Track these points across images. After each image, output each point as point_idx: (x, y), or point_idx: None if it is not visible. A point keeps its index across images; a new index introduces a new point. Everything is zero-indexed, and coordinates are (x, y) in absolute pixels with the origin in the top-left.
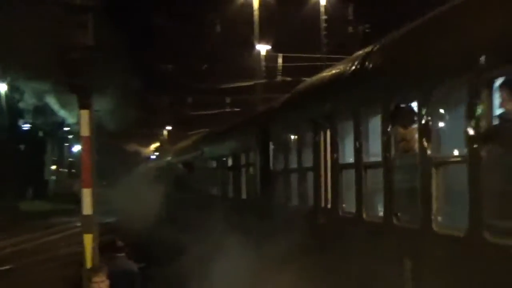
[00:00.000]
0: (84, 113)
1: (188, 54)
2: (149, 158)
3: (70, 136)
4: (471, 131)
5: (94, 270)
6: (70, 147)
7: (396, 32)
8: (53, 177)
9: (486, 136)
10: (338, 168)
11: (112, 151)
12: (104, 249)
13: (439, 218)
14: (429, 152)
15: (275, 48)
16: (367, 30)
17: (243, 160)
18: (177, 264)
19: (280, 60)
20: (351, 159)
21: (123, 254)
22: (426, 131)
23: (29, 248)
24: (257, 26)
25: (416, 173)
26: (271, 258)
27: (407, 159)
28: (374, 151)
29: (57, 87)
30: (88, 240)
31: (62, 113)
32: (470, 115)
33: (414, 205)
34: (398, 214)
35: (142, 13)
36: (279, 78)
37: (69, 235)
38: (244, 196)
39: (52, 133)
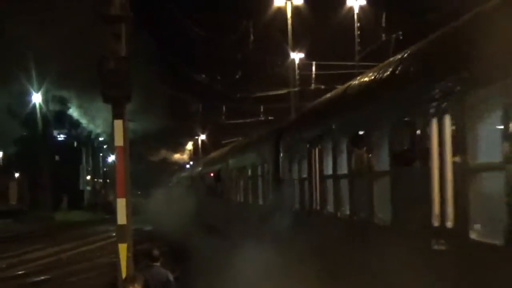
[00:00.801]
0: (118, 123)
1: (222, 62)
2: (184, 166)
3: (105, 146)
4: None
5: (130, 279)
6: (105, 157)
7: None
8: (88, 187)
9: None
10: (322, 178)
11: (147, 161)
12: (140, 258)
13: None
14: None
15: (308, 56)
16: (400, 38)
17: (259, 170)
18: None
19: (313, 68)
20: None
21: (158, 264)
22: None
23: (65, 258)
24: (290, 34)
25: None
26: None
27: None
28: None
29: (80, 96)
30: (123, 249)
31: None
32: None
33: None
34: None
35: (176, 22)
36: (312, 86)
37: (105, 245)
38: (260, 201)
39: (87, 143)
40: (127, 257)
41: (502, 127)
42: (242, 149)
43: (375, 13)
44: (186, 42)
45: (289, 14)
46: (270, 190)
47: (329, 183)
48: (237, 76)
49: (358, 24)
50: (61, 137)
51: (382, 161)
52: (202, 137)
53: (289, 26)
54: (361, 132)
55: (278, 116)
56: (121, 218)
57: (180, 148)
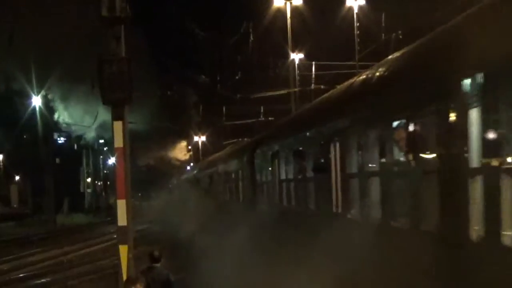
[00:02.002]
0: (118, 125)
1: (222, 63)
2: (184, 168)
3: (105, 148)
4: None
5: (131, 280)
6: (105, 159)
7: None
8: (89, 190)
9: None
10: (279, 181)
11: (147, 164)
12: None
13: None
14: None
15: (308, 57)
16: (400, 37)
17: (240, 174)
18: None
19: (313, 69)
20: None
21: (159, 264)
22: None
23: (67, 261)
24: (290, 35)
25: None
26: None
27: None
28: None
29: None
30: (124, 251)
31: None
32: None
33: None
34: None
35: (176, 23)
36: (312, 86)
37: (106, 247)
38: (241, 199)
39: (87, 145)
40: (128, 258)
41: None
42: (228, 157)
43: (374, 13)
44: (186, 43)
45: (288, 15)
46: (248, 190)
47: (283, 185)
48: (237, 77)
49: (358, 24)
50: (61, 140)
51: (310, 169)
52: (203, 138)
53: (289, 27)
54: (300, 148)
55: (278, 117)
56: (122, 219)
57: (179, 147)
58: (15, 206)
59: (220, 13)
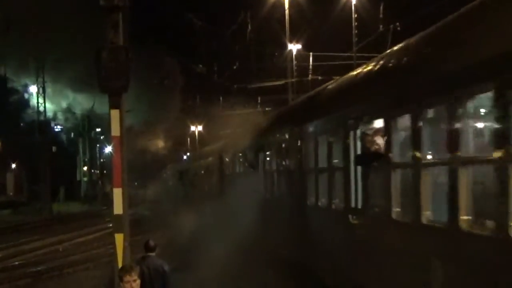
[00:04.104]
0: (115, 113)
1: (220, 53)
2: (181, 158)
3: (102, 137)
4: None
5: (126, 269)
6: (102, 148)
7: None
8: (85, 178)
9: None
10: (237, 174)
11: (143, 155)
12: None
13: None
14: None
15: (306, 47)
16: (398, 29)
17: (214, 169)
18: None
19: (310, 59)
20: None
21: (154, 254)
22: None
23: (63, 249)
24: (288, 25)
25: None
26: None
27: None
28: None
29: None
30: (120, 239)
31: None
32: None
33: None
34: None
35: (173, 13)
36: (309, 77)
37: (102, 236)
38: (214, 188)
39: (84, 134)
40: (124, 247)
41: None
42: (206, 155)
43: (372, 4)
44: (183, 32)
45: (286, 5)
46: (219, 181)
47: (240, 177)
48: (234, 67)
49: (356, 15)
50: (58, 128)
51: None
52: (199, 128)
53: (287, 17)
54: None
55: (275, 107)
56: (118, 208)
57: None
58: (11, 194)
59: (217, 2)
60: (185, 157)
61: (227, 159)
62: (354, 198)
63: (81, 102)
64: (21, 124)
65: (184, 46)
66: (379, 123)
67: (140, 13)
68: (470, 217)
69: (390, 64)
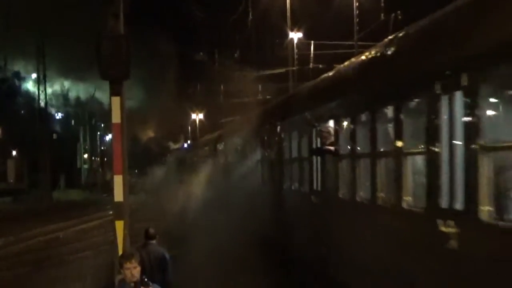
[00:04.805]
0: (115, 100)
1: (221, 42)
2: (179, 149)
3: (103, 125)
4: None
5: (126, 256)
6: (102, 135)
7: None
8: (85, 166)
9: None
10: (227, 164)
11: (144, 143)
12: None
13: None
14: None
15: (307, 36)
16: (399, 17)
17: (209, 157)
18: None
19: (312, 48)
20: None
21: (154, 241)
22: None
23: (63, 236)
24: (289, 14)
25: None
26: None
27: None
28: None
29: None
30: (120, 226)
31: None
32: None
33: None
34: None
35: (175, 2)
36: (311, 65)
37: (102, 223)
38: (209, 173)
39: (85, 121)
40: (124, 234)
41: None
42: (202, 145)
43: None
44: (184, 21)
45: None
46: (214, 168)
47: (228, 166)
48: (236, 55)
49: (357, 4)
50: (58, 116)
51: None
52: (200, 116)
53: (288, 6)
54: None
55: (276, 96)
56: (118, 195)
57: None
58: (11, 181)
59: None
60: (185, 145)
61: (220, 149)
62: (315, 182)
63: (77, 89)
64: (22, 112)
65: (185, 34)
66: (331, 123)
67: (142, 3)
68: (383, 194)
69: (337, 77)
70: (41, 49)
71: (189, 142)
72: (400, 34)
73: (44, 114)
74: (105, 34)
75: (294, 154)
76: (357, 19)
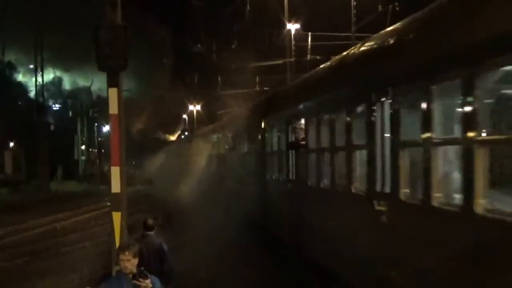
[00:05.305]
0: (113, 91)
1: (218, 33)
2: (177, 140)
3: (96, 114)
4: None
5: (121, 248)
6: (99, 127)
7: None
8: (83, 157)
9: None
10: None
11: (141, 135)
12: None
13: None
14: None
15: (304, 27)
16: (397, 9)
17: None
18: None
19: (309, 39)
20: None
21: (152, 233)
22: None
23: (60, 227)
24: (286, 5)
25: None
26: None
27: None
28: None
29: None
30: (117, 218)
31: None
32: None
33: None
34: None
35: None
36: (308, 57)
37: (100, 215)
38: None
39: (82, 112)
40: (121, 225)
41: None
42: (198, 137)
43: None
44: (182, 12)
45: None
46: (209, 160)
47: (220, 158)
48: (233, 46)
49: None
50: (56, 107)
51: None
52: (197, 107)
53: None
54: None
55: (274, 87)
56: (115, 186)
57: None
58: (9, 172)
59: None
60: (182, 137)
61: (214, 141)
62: (290, 172)
63: (71, 79)
64: (19, 103)
65: (182, 25)
66: (303, 121)
67: None
68: (339, 182)
69: (305, 82)
70: (39, 40)
71: (186, 133)
72: (353, 51)
73: (41, 105)
74: (103, 24)
75: (275, 147)
76: (355, 11)
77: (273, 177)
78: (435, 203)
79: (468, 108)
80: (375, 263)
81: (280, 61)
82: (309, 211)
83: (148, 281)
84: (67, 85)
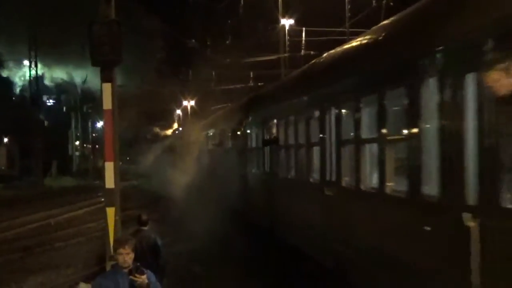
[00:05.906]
0: (107, 87)
1: (212, 28)
2: (171, 135)
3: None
4: None
5: (120, 241)
6: (94, 122)
7: None
8: (77, 153)
9: None
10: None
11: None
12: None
13: None
14: None
15: (298, 22)
16: (391, 4)
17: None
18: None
19: (303, 34)
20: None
21: (146, 228)
22: None
23: (55, 223)
24: (280, 0)
25: None
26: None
27: None
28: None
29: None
30: (111, 213)
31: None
32: None
33: None
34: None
35: None
36: (302, 52)
37: (94, 210)
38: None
39: (76, 108)
40: (115, 220)
41: None
42: (190, 133)
43: None
44: (175, 6)
45: None
46: (199, 155)
47: (209, 153)
48: (227, 42)
49: None
50: (50, 102)
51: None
52: (192, 103)
53: None
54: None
55: (268, 82)
56: (109, 182)
57: (169, 121)
58: (3, 168)
59: None
60: (176, 132)
61: (204, 138)
62: (265, 166)
63: (58, 75)
64: (13, 98)
65: (176, 20)
66: (275, 122)
67: None
68: (302, 174)
69: (278, 88)
70: (32, 36)
71: (180, 129)
72: (314, 61)
73: (35, 100)
74: (96, 20)
75: (254, 144)
76: (349, 6)
77: (252, 171)
78: (363, 187)
79: (378, 116)
80: (326, 238)
81: (274, 57)
82: (279, 199)
83: (144, 276)
84: (47, 81)
